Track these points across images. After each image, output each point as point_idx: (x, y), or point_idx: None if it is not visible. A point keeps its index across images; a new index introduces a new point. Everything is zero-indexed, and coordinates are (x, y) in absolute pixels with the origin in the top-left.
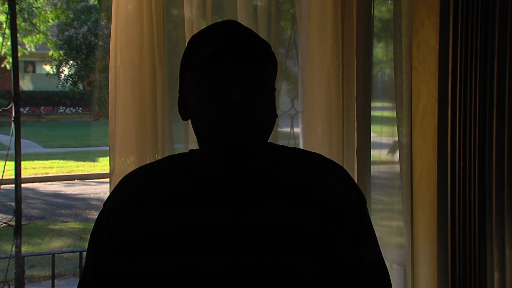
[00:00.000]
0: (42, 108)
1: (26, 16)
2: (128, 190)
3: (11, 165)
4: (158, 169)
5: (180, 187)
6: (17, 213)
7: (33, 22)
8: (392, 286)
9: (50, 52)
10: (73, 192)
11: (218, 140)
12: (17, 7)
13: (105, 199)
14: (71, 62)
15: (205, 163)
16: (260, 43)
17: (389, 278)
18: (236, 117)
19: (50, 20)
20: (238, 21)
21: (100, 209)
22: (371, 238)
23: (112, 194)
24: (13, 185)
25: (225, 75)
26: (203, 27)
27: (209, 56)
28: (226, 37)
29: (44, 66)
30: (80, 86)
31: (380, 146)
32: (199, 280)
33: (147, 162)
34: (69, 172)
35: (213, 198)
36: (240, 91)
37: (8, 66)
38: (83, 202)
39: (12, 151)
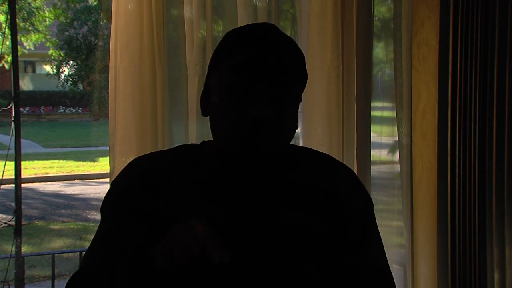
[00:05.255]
0: (42, 108)
1: (26, 16)
2: (137, 172)
3: (11, 165)
4: (167, 156)
5: (190, 179)
6: (17, 213)
7: (32, 21)
8: None
9: (50, 51)
10: (73, 192)
11: (235, 146)
12: (17, 6)
13: (113, 180)
14: (71, 62)
15: (216, 158)
16: (298, 56)
17: (394, 284)
18: (255, 134)
19: (47, 20)
20: (238, 21)
21: (107, 191)
22: (377, 242)
23: (119, 177)
24: (13, 185)
25: (253, 87)
26: (203, 27)
27: (247, 60)
28: (266, 43)
29: (44, 66)
30: (80, 86)
31: (380, 146)
32: (200, 276)
33: None
34: (69, 172)
35: (219, 194)
36: (264, 107)
37: (6, 66)
38: (83, 202)
39: (12, 151)
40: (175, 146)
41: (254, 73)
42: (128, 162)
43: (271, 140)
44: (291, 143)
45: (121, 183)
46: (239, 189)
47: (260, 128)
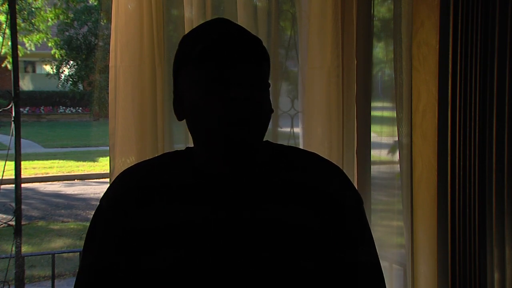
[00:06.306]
0: (42, 108)
1: (26, 16)
2: (127, 185)
3: (11, 165)
4: (157, 165)
5: (180, 184)
6: (17, 213)
7: (33, 21)
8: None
9: (53, 51)
10: (73, 192)
11: (221, 138)
12: (17, 7)
13: (101, 196)
14: (71, 62)
15: (205, 160)
16: (254, 40)
17: (384, 281)
18: (237, 115)
19: (50, 20)
20: (238, 21)
21: (97, 206)
22: (368, 239)
23: (109, 190)
24: (13, 185)
25: (224, 72)
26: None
27: (206, 54)
28: (221, 34)
29: (44, 66)
30: (80, 86)
31: (380, 146)
32: (200, 277)
33: None
34: (69, 172)
35: (215, 195)
36: (240, 88)
37: (9, 66)
38: (83, 202)
39: (12, 151)
40: (159, 154)
41: (222, 57)
42: (128, 162)
43: (254, 123)
44: (284, 144)
45: (110, 200)
46: (235, 190)
47: (241, 110)
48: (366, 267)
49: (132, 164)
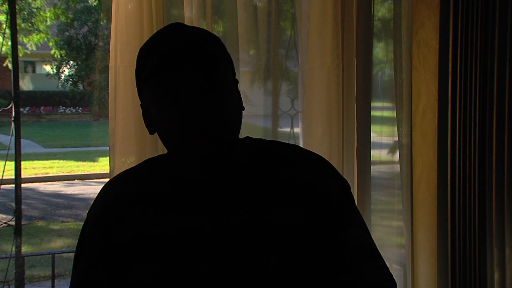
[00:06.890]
0: (42, 108)
1: (26, 16)
2: (109, 199)
3: (11, 165)
4: (138, 175)
5: (162, 193)
6: (17, 213)
7: (33, 21)
8: (386, 267)
9: (53, 51)
10: (73, 192)
11: (190, 153)
12: (17, 7)
13: (88, 210)
14: (71, 62)
15: (184, 167)
16: (208, 43)
17: (380, 259)
18: (201, 127)
19: (49, 20)
20: (238, 21)
21: (84, 220)
22: (358, 222)
23: (94, 203)
24: (13, 185)
25: (179, 85)
26: (202, 27)
27: (158, 70)
28: (171, 47)
29: (44, 66)
30: (80, 86)
31: (380, 146)
32: (194, 285)
33: None
34: (69, 172)
35: (197, 203)
36: (199, 98)
37: (9, 66)
38: (83, 202)
39: (12, 151)
40: (143, 160)
41: (175, 69)
42: (128, 162)
43: (221, 128)
44: (264, 139)
45: (95, 214)
46: (215, 196)
47: (203, 120)
48: (357, 249)
49: (120, 172)
